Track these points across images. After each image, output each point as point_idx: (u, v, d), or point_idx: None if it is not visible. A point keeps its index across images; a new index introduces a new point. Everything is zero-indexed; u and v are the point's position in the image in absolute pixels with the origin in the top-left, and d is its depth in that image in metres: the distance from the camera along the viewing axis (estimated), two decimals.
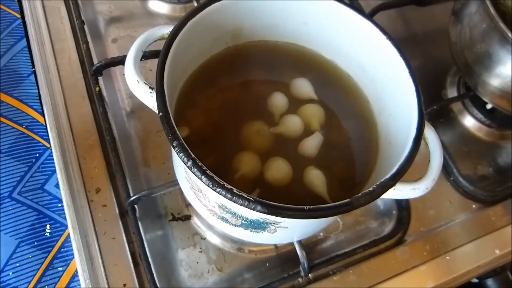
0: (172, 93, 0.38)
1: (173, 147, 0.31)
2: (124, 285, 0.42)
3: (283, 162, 0.39)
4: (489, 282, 0.53)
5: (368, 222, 0.52)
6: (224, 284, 0.46)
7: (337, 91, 0.44)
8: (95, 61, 0.52)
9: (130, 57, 0.36)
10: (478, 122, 0.61)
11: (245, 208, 0.30)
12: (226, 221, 0.37)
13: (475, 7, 0.52)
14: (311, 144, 0.40)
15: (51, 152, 0.47)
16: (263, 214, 0.30)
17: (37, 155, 0.51)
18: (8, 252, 0.45)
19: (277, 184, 0.38)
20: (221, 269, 0.46)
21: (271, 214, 0.30)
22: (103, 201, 0.45)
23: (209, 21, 0.39)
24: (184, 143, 0.31)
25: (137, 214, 0.46)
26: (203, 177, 0.30)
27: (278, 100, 0.42)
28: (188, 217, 0.48)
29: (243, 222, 0.35)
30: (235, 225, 0.37)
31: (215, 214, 0.37)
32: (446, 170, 0.56)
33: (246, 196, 0.29)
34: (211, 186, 0.30)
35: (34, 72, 0.54)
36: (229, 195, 0.30)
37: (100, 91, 0.50)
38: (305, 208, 0.30)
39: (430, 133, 0.37)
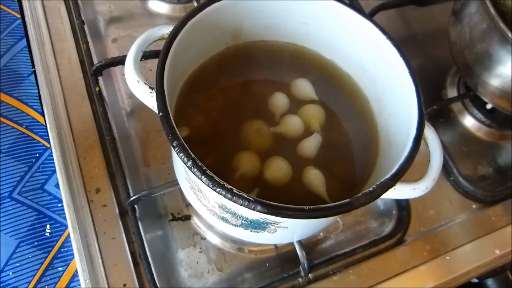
0: (172, 93, 0.38)
1: (173, 147, 0.31)
2: (124, 285, 0.42)
3: (282, 162, 0.39)
4: (489, 282, 0.53)
5: (368, 222, 0.52)
6: (224, 284, 0.46)
7: (337, 91, 0.44)
8: (95, 61, 0.52)
9: (130, 57, 0.36)
10: (478, 122, 0.61)
11: (245, 208, 0.30)
12: (226, 221, 0.37)
13: (475, 7, 0.52)
14: (310, 145, 0.40)
15: (51, 152, 0.47)
16: (263, 214, 0.30)
17: (37, 155, 0.51)
18: (8, 252, 0.45)
19: (277, 183, 0.38)
20: (221, 269, 0.46)
21: (271, 214, 0.30)
22: (103, 201, 0.45)
23: (209, 21, 0.39)
24: (184, 143, 0.31)
25: (137, 214, 0.46)
26: (203, 177, 0.30)
27: (280, 100, 0.42)
28: (188, 217, 0.48)
29: (243, 222, 0.35)
30: (235, 225, 0.37)
31: (215, 214, 0.37)
32: (446, 170, 0.56)
33: (246, 196, 0.29)
34: (211, 186, 0.30)
35: (34, 72, 0.54)
36: (229, 195, 0.30)
37: (100, 91, 0.50)
38: (305, 208, 0.30)
39: (430, 133, 0.37)
